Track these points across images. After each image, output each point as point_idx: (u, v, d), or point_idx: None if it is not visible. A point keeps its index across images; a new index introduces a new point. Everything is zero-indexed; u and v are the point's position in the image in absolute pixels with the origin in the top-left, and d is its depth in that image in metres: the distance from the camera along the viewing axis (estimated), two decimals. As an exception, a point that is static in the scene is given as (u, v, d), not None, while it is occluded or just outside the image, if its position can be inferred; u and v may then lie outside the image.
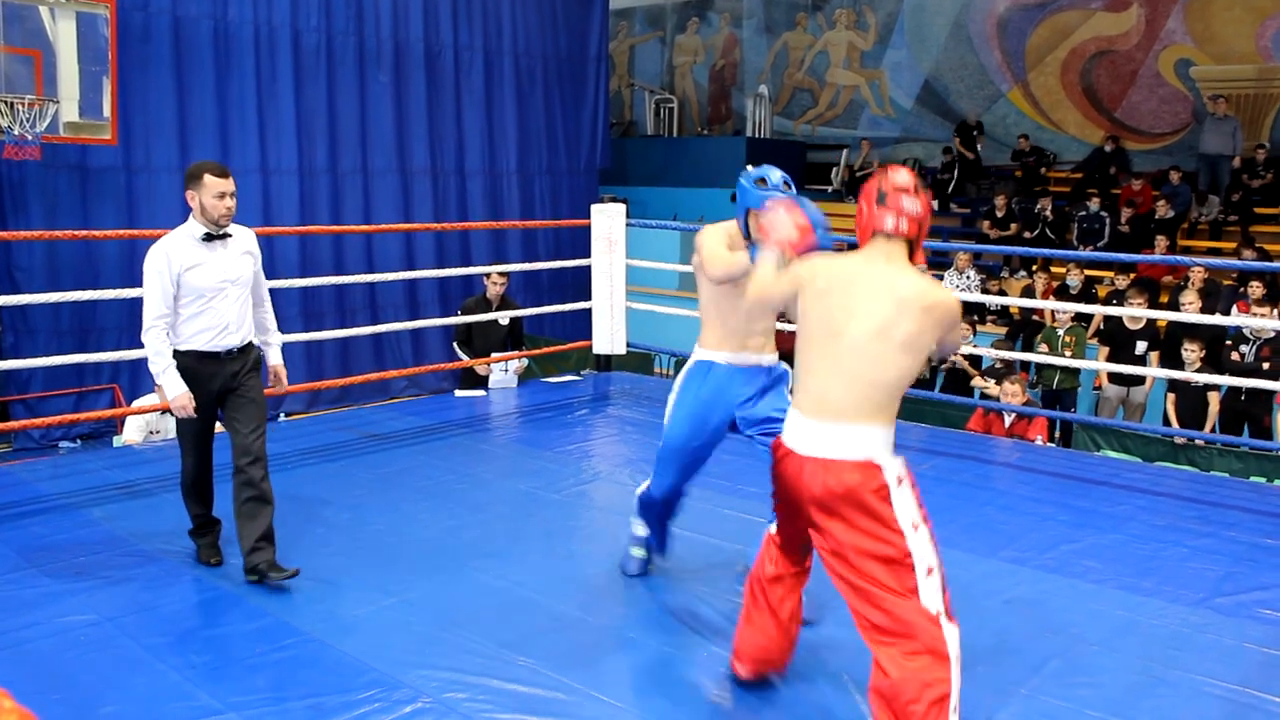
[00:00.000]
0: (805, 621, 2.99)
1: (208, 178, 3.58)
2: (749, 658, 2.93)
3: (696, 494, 3.99)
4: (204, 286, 3.60)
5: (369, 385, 9.37)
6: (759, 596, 2.85)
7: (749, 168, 3.47)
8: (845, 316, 2.52)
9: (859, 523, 2.46)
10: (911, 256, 2.61)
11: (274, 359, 3.99)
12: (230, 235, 3.67)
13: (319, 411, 8.68)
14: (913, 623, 2.41)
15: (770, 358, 3.53)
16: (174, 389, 3.57)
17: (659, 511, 3.72)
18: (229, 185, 3.61)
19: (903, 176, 2.61)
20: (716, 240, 3.40)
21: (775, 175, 3.42)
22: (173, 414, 3.65)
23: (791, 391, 2.87)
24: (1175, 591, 3.72)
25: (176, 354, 3.60)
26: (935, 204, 14.17)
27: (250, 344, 3.79)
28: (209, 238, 3.62)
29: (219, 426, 3.82)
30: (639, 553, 3.82)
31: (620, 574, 3.78)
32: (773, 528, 2.86)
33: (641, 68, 18.38)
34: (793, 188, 3.44)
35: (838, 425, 2.50)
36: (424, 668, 3.04)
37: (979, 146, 14.15)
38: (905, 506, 2.49)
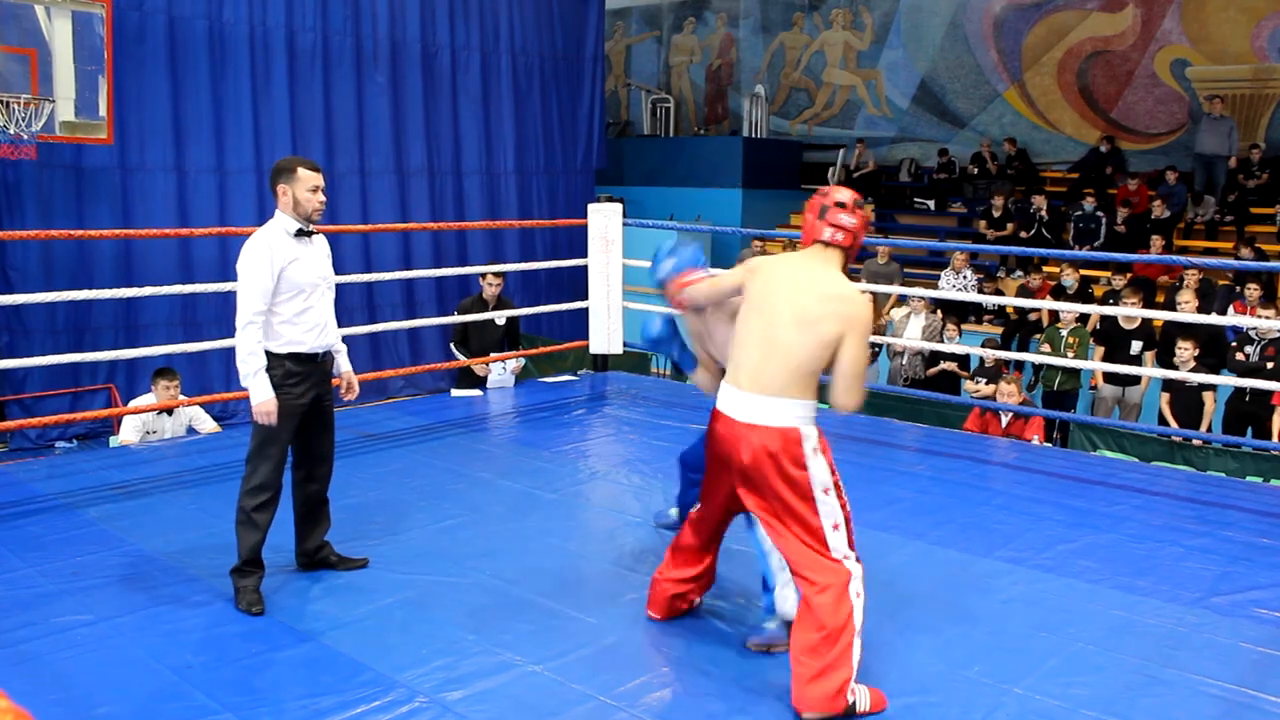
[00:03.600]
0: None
1: (301, 171, 3.48)
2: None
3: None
4: (304, 282, 3.49)
5: (366, 385, 9.31)
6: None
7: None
8: (778, 305, 2.95)
9: (779, 481, 2.89)
10: (845, 262, 3.06)
11: (345, 365, 3.84)
12: (314, 233, 3.58)
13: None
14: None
15: None
16: (263, 393, 3.40)
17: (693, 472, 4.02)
18: (321, 179, 3.52)
19: (843, 195, 3.04)
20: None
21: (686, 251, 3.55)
22: (253, 419, 3.47)
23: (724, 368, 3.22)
24: (1172, 591, 3.72)
25: (277, 357, 3.45)
26: (932, 204, 14.20)
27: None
28: (300, 234, 3.51)
29: None
30: (675, 511, 4.20)
31: (618, 573, 3.78)
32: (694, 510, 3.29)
33: (638, 67, 18.38)
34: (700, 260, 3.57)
35: (768, 398, 2.91)
36: (420, 667, 3.04)
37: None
38: (819, 471, 2.91)
